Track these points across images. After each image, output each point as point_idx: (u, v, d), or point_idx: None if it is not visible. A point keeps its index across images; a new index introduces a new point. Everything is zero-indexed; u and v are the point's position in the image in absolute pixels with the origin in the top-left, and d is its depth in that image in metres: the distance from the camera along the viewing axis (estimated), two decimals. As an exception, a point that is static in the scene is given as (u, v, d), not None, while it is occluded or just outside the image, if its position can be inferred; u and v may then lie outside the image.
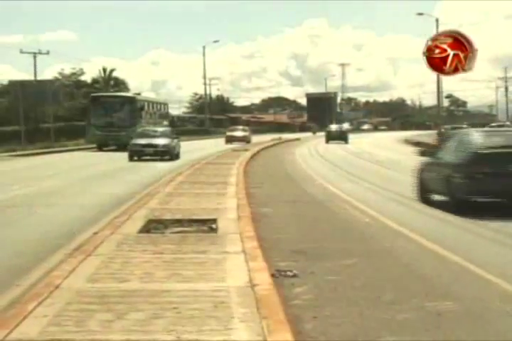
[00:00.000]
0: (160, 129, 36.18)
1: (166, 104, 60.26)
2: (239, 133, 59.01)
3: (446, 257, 8.87)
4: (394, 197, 16.29)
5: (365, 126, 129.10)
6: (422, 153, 16.43)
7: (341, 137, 58.78)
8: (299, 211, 13.59)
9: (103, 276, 6.88)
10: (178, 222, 10.63)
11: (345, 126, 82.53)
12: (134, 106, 45.49)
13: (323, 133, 79.51)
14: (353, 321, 5.95)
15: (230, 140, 55.83)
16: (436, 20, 61.52)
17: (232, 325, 5.12)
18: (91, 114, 45.16)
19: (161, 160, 30.48)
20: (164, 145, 31.57)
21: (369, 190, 18.26)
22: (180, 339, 4.82)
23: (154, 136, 32.86)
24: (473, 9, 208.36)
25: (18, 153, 38.98)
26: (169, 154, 31.46)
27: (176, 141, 33.14)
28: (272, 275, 7.19)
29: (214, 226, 10.27)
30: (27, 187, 18.78)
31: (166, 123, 54.51)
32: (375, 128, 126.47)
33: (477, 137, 14.50)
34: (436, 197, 14.48)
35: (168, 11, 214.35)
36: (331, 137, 59.33)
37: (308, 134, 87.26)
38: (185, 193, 15.14)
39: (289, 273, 7.69)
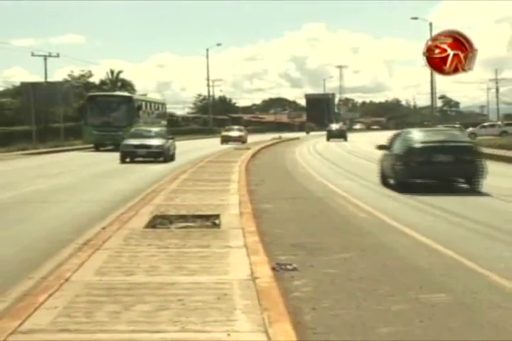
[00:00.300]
0: (154, 129, 32.99)
1: (163, 104, 57.77)
2: (235, 133, 55.67)
3: (439, 251, 8.87)
4: (389, 193, 16.28)
5: (357, 126, 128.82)
6: (379, 147, 19.56)
7: (341, 135, 61.31)
8: (299, 207, 13.59)
9: (111, 270, 6.88)
10: (183, 218, 10.65)
11: (340, 125, 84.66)
12: (130, 106, 43.18)
13: (316, 133, 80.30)
14: (350, 312, 5.96)
15: (225, 140, 52.67)
16: (430, 24, 61.61)
17: (235, 316, 5.13)
18: (87, 113, 43.03)
19: (155, 161, 27.97)
20: (158, 146, 28.90)
21: (366, 186, 18.26)
22: (184, 329, 4.83)
23: (147, 137, 30.04)
24: (465, 13, 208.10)
25: (30, 151, 39.02)
26: (163, 155, 28.81)
27: (170, 141, 30.35)
28: (273, 269, 7.20)
29: (217, 221, 10.28)
30: (37, 184, 18.80)
31: (164, 123, 52.21)
32: (368, 128, 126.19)
33: (414, 135, 18.31)
34: (391, 181, 17.66)
35: (173, 15, 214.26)
36: (331, 135, 61.71)
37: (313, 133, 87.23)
38: (190, 190, 15.15)
39: (288, 266, 7.70)
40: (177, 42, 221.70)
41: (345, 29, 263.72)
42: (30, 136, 43.55)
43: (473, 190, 16.11)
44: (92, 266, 7.03)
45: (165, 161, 28.20)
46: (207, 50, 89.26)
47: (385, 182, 18.11)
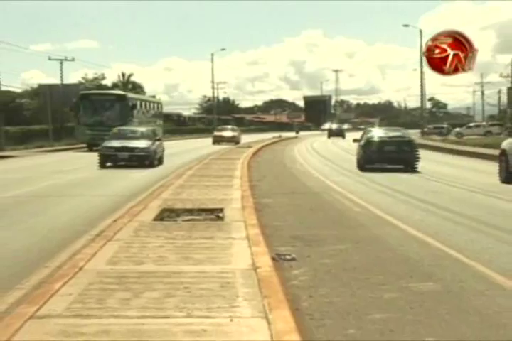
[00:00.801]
0: (139, 129, 27.41)
1: (159, 103, 53.23)
2: (228, 133, 49.29)
3: (429, 243, 8.87)
4: (382, 189, 16.28)
5: (345, 126, 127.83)
6: (354, 140, 25.52)
7: (340, 134, 64.91)
8: (297, 201, 13.58)
9: (122, 259, 6.88)
10: (189, 211, 10.64)
11: (328, 125, 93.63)
12: (124, 105, 39.04)
13: (313, 133, 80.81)
14: (344, 300, 5.95)
15: (217, 140, 47.02)
16: (420, 31, 61.63)
17: (237, 303, 5.13)
18: (80, 112, 39.15)
19: (139, 166, 23.07)
20: (142, 149, 23.86)
21: (360, 182, 18.24)
22: (190, 315, 4.82)
23: (131, 138, 25.02)
24: (453, 21, 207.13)
25: (46, 149, 39.04)
26: (148, 159, 23.87)
27: (158, 143, 25.38)
28: (273, 259, 7.19)
29: (221, 214, 10.27)
30: (53, 179, 18.78)
31: (160, 122, 48.58)
32: (354, 127, 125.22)
33: (373, 132, 24.40)
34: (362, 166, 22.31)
35: (180, 22, 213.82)
36: (332, 134, 65.86)
37: (307, 132, 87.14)
38: (195, 185, 15.14)
39: (287, 256, 7.69)
40: (184, 47, 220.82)
41: (341, 35, 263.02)
42: (46, 134, 43.61)
43: (411, 171, 21.35)
44: (104, 256, 7.02)
45: (151, 166, 23.59)
46: (212, 54, 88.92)
47: (358, 166, 22.68)
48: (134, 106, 40.45)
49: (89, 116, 38.65)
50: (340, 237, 9.18)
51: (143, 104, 45.17)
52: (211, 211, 10.64)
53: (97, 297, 5.31)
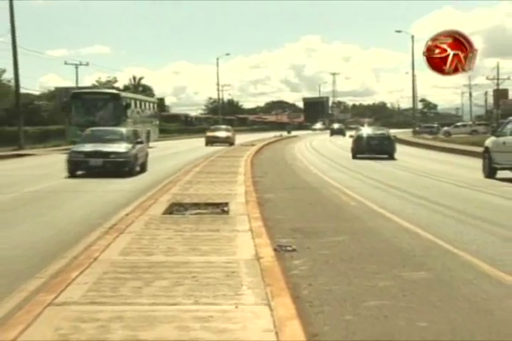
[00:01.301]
0: (117, 130, 21.69)
1: (156, 103, 48.45)
2: (222, 134, 43.72)
3: (420, 234, 8.86)
4: (377, 184, 16.25)
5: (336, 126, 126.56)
6: (350, 136, 32.28)
7: (341, 132, 68.09)
8: (297, 196, 13.57)
9: (133, 250, 6.88)
10: (196, 205, 10.64)
11: (319, 125, 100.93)
12: (118, 104, 34.83)
13: (303, 132, 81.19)
14: (342, 288, 5.95)
15: (210, 141, 41.96)
16: (412, 37, 61.71)
17: (242, 291, 5.13)
18: (72, 112, 35.21)
19: (116, 175, 17.89)
20: (120, 154, 18.56)
21: (356, 178, 18.22)
22: (198, 302, 4.83)
23: (107, 141, 19.56)
24: (442, 27, 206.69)
25: (62, 147, 38.87)
26: (128, 166, 18.52)
27: (139, 146, 19.75)
28: (274, 250, 7.18)
29: (226, 208, 10.27)
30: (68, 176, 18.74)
31: (156, 123, 44.92)
32: (346, 127, 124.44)
33: (362, 129, 30.26)
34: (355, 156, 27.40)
35: (188, 29, 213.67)
36: (333, 132, 70.15)
37: (303, 132, 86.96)
38: (202, 181, 15.12)
39: (288, 248, 7.68)
40: (191, 52, 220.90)
41: (338, 41, 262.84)
42: (63, 134, 43.53)
43: (391, 159, 26.47)
44: (117, 247, 7.03)
45: (130, 174, 18.42)
46: (217, 58, 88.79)
47: (352, 156, 27.62)
48: (128, 106, 36.14)
49: (81, 116, 34.45)
50: (337, 229, 9.18)
51: (138, 103, 40.91)
52: (217, 205, 10.63)
53: (110, 285, 5.32)
